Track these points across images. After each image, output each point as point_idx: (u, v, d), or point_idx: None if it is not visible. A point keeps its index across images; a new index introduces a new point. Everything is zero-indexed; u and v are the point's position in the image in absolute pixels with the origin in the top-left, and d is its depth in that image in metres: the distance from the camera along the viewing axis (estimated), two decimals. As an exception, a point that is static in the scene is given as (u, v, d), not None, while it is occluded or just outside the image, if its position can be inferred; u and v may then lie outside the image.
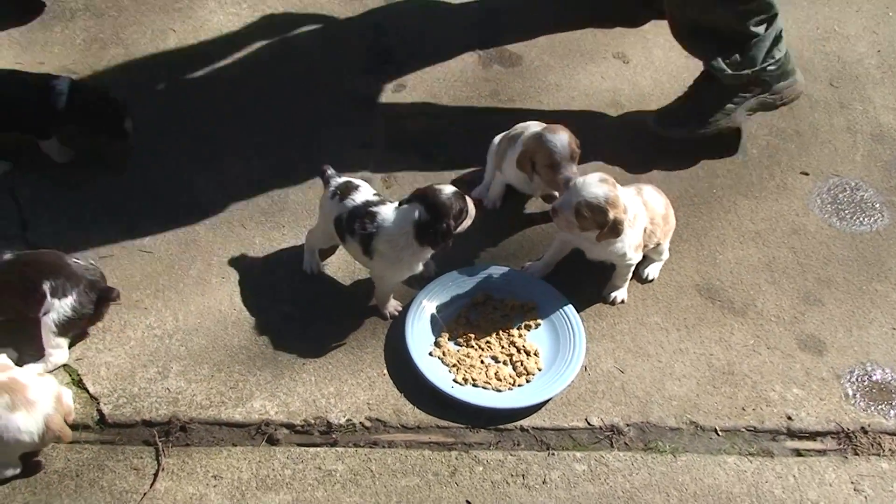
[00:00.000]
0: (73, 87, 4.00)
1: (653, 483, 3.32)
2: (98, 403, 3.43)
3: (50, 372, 3.42)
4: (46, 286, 3.42)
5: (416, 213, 3.43)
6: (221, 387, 3.50)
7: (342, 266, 3.89)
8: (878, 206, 4.27)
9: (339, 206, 3.59)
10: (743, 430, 3.50)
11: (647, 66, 4.87)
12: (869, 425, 3.52)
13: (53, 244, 3.76)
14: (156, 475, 3.26)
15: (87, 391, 3.47)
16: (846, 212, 4.24)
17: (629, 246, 3.62)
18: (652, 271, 3.93)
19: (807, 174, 4.40)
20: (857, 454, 3.46)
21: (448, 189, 3.48)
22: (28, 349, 3.51)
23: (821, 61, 4.96)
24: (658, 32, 5.04)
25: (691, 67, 4.75)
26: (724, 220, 4.17)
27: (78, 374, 3.51)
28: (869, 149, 4.54)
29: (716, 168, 4.38)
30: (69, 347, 3.55)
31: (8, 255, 3.53)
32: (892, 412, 3.56)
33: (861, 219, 4.21)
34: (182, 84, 4.69)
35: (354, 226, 3.52)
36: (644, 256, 3.83)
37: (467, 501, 3.25)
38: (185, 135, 4.41)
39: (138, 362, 3.56)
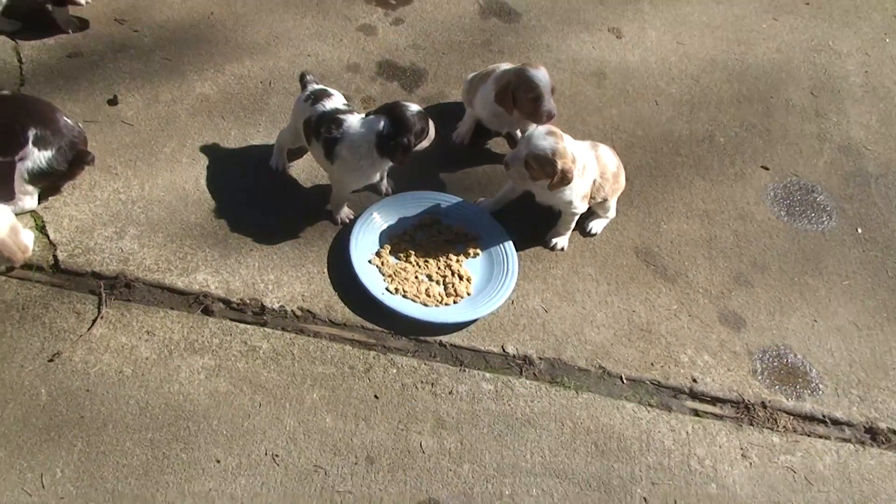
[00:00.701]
0: None
1: (551, 412, 3.53)
2: (55, 249, 3.66)
3: (17, 214, 3.64)
4: (31, 133, 3.63)
5: (381, 124, 3.64)
6: (171, 256, 3.72)
7: (306, 169, 4.10)
8: (829, 209, 4.44)
9: (310, 109, 3.80)
10: (647, 381, 3.69)
11: (638, 45, 5.06)
12: (769, 401, 3.70)
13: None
14: (94, 321, 3.49)
15: (48, 237, 3.70)
16: (797, 209, 4.41)
17: (576, 194, 3.82)
18: (596, 226, 4.12)
19: (767, 168, 4.57)
20: (752, 425, 3.64)
21: (413, 107, 3.69)
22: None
23: (807, 70, 5.13)
24: (656, 15, 5.24)
25: (680, 52, 4.96)
26: (676, 195, 4.35)
27: (42, 221, 3.75)
28: (833, 157, 4.70)
29: (680, 147, 4.57)
30: (40, 199, 3.77)
31: (6, 92, 3.76)
32: (794, 394, 3.74)
33: (810, 217, 4.39)
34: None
35: (321, 129, 3.72)
36: (591, 211, 4.03)
37: (375, 396, 3.46)
38: (187, 28, 4.65)
39: (99, 220, 3.79)
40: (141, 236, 3.76)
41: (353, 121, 3.71)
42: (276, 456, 3.26)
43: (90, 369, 3.37)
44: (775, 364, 3.83)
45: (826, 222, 4.40)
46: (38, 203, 3.77)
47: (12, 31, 4.38)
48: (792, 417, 3.69)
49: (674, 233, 4.21)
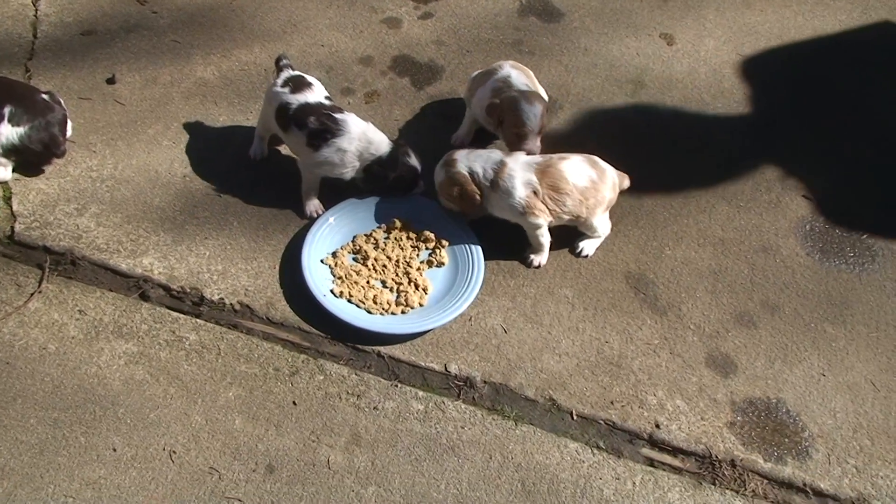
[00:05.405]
0: None
1: (482, 442, 3.22)
2: (14, 221, 3.68)
3: (-12, 185, 3.71)
4: (7, 110, 3.68)
5: (386, 148, 3.66)
6: (123, 237, 3.66)
7: (286, 160, 3.94)
8: (874, 249, 3.89)
9: (287, 97, 3.66)
10: (601, 421, 3.32)
11: (690, 53, 4.61)
12: (742, 459, 3.25)
13: (48, 76, 4.05)
14: (32, 295, 3.46)
15: (11, 209, 3.72)
16: (834, 246, 3.89)
17: (511, 207, 3.58)
18: (587, 247, 3.76)
19: (809, 199, 4.05)
20: (714, 484, 3.21)
21: (415, 161, 3.71)
22: (-19, 159, 3.80)
23: None
24: (719, 23, 4.77)
25: (734, 62, 4.50)
26: (691, 219, 3.92)
27: (10, 192, 3.77)
28: (898, 192, 4.12)
29: (711, 169, 4.12)
30: (16, 172, 3.82)
31: None
32: (774, 455, 3.27)
33: (848, 258, 3.85)
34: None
35: (308, 119, 3.59)
36: (578, 230, 3.70)
37: (294, 402, 3.27)
38: (206, 12, 4.65)
39: (64, 196, 3.78)
40: (100, 215, 3.72)
41: (355, 121, 3.65)
42: (174, 452, 3.13)
43: (16, 342, 3.34)
44: (761, 418, 3.36)
45: (867, 265, 3.84)
46: (12, 175, 3.79)
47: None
48: (765, 481, 3.23)
49: (678, 260, 3.78)
